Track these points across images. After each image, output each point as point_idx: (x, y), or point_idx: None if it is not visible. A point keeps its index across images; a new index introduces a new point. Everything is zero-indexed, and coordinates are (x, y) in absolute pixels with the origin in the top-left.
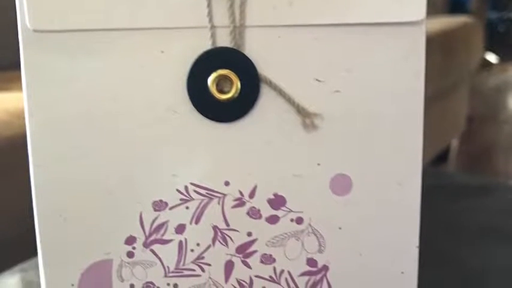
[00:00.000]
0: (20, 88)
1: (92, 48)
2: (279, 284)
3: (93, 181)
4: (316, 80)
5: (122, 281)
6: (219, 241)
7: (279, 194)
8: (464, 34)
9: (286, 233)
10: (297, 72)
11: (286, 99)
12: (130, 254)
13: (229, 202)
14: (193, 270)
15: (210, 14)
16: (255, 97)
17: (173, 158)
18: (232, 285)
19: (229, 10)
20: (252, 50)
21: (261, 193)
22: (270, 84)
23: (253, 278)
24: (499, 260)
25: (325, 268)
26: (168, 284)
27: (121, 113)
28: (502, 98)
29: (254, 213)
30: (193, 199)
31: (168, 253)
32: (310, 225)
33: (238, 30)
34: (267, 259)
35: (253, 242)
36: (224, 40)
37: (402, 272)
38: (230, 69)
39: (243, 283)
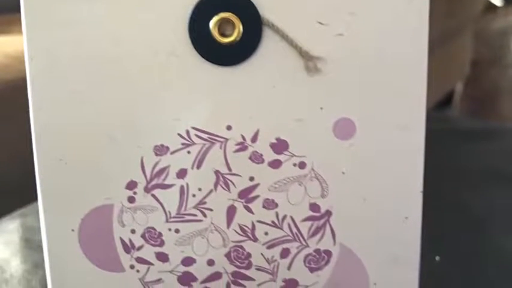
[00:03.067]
0: (20, 31)
1: None
2: (282, 229)
3: (93, 125)
4: (319, 23)
5: (123, 226)
6: (221, 186)
7: (282, 138)
8: None
9: (288, 178)
10: (299, 15)
11: (289, 42)
12: (131, 199)
13: (231, 146)
14: (195, 215)
15: None
16: (257, 40)
17: (174, 102)
18: (234, 230)
19: None
20: None
21: (263, 137)
22: (273, 27)
23: (256, 223)
24: (503, 204)
25: (328, 213)
26: (170, 229)
27: (122, 57)
28: (506, 42)
29: (256, 158)
30: (194, 143)
31: (170, 198)
32: (313, 169)
33: None
34: (270, 204)
35: (255, 186)
36: None
37: (406, 217)
38: (232, 12)
39: (245, 228)
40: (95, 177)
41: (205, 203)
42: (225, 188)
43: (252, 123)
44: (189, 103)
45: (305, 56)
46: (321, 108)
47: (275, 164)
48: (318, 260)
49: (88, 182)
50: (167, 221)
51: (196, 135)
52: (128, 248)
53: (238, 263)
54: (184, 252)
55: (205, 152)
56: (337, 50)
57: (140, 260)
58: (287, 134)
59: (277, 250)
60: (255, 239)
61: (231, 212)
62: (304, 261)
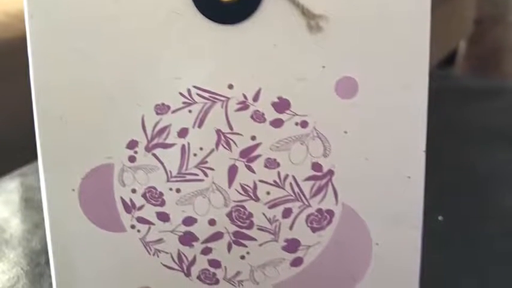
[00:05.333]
0: None
1: None
2: (283, 188)
3: (94, 84)
4: None
5: (124, 185)
6: (223, 145)
7: (284, 97)
8: None
9: (290, 137)
10: None
11: (291, 0)
12: (131, 159)
13: (232, 105)
14: (196, 175)
15: None
16: None
17: (176, 60)
18: (236, 190)
19: None
20: None
21: (265, 96)
22: None
23: (257, 183)
24: (506, 162)
25: (331, 173)
26: (171, 189)
27: (123, 15)
28: None
29: (258, 117)
30: (196, 102)
31: (171, 157)
32: (315, 128)
33: None
34: (271, 163)
35: (257, 146)
36: None
37: (409, 177)
38: None
39: (247, 188)
40: (95, 136)
41: (206, 162)
42: (226, 147)
43: (253, 82)
44: (190, 61)
45: (307, 14)
46: (323, 66)
47: (277, 123)
48: (320, 219)
49: (88, 141)
50: (168, 180)
51: (198, 94)
52: (129, 207)
53: (239, 223)
54: (185, 212)
55: (207, 111)
56: (340, 8)
57: (141, 220)
58: (289, 92)
59: (279, 210)
60: (257, 199)
61: (232, 171)
62: (306, 221)
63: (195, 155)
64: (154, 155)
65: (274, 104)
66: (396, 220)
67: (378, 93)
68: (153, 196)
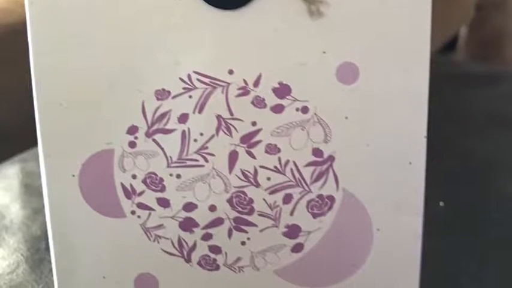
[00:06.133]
0: None
1: None
2: (284, 174)
3: (94, 69)
4: None
5: (124, 171)
6: (223, 131)
7: (284, 82)
8: None
9: (291, 123)
10: None
11: None
12: (132, 144)
13: (233, 91)
14: (197, 160)
15: None
16: None
17: (176, 46)
18: (236, 175)
19: None
20: None
21: (265, 82)
22: None
23: (258, 169)
24: (508, 149)
25: (331, 158)
26: (171, 175)
27: (123, 0)
28: None
29: (259, 102)
30: (196, 88)
31: (171, 143)
32: (315, 114)
33: None
34: (272, 149)
35: (257, 131)
36: None
37: (410, 163)
38: None
39: (247, 173)
40: (95, 122)
41: (206, 148)
42: (226, 133)
43: (254, 67)
44: (191, 47)
45: None
46: (324, 52)
47: (277, 109)
48: (320, 205)
49: (88, 127)
50: (168, 166)
51: (198, 80)
52: (129, 193)
53: (240, 209)
54: (185, 198)
55: (207, 97)
56: None
57: (141, 206)
58: (290, 78)
59: (280, 196)
60: (257, 185)
61: (233, 157)
62: (307, 207)
63: (195, 140)
64: (154, 140)
65: (274, 90)
66: (397, 206)
67: (379, 78)
68: (153, 182)
